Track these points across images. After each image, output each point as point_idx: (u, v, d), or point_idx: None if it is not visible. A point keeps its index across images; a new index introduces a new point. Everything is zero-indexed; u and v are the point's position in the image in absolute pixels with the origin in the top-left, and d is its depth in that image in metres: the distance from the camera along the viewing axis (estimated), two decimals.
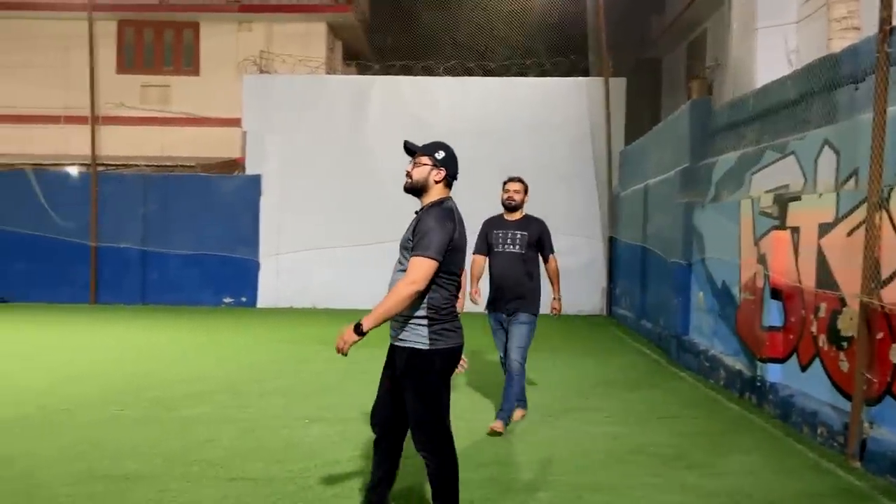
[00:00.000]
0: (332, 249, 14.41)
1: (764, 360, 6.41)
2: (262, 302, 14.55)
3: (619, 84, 14.40)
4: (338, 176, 14.39)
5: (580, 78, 14.69)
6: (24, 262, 14.55)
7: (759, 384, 6.47)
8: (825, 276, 5.63)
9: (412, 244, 3.30)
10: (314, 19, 16.86)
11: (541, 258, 5.88)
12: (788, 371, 6.18)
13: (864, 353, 4.83)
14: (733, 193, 7.81)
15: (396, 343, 3.40)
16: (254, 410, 6.18)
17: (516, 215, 5.84)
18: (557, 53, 15.18)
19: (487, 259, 5.88)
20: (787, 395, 5.99)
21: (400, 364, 3.38)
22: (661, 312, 10.01)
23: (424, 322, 3.32)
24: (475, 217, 5.78)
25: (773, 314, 6.34)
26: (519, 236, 5.74)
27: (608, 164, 14.12)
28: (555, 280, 5.94)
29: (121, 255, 14.59)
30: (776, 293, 6.33)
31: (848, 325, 5.25)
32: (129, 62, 17.07)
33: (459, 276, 3.46)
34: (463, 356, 3.50)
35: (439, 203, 3.41)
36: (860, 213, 5.02)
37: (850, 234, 5.26)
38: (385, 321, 3.29)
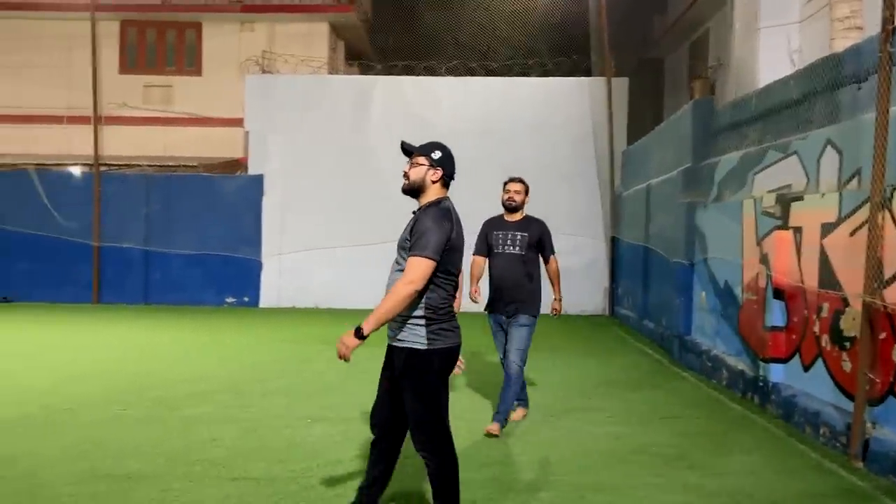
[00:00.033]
0: (335, 249, 14.42)
1: (766, 360, 6.40)
2: (264, 302, 14.57)
3: (621, 84, 14.39)
4: (340, 176, 14.40)
5: (582, 78, 14.69)
6: (27, 262, 14.58)
7: (761, 384, 6.46)
8: (828, 276, 5.62)
9: (410, 244, 3.30)
10: (316, 19, 16.84)
11: (541, 259, 5.86)
12: (791, 371, 6.17)
13: (866, 353, 4.82)
14: (736, 193, 7.80)
15: (394, 343, 3.40)
16: (256, 410, 6.19)
17: (517, 216, 5.80)
18: (560, 53, 15.15)
19: (487, 260, 5.86)
20: (789, 395, 5.98)
21: (398, 364, 3.38)
22: (663, 312, 10.00)
23: (422, 322, 3.32)
24: (477, 217, 5.79)
25: (775, 314, 6.33)
26: (519, 237, 5.71)
27: (610, 163, 14.11)
28: (555, 281, 5.92)
29: (123, 254, 14.61)
30: (779, 293, 6.33)
31: (850, 325, 5.24)
32: (131, 62, 17.07)
33: (457, 276, 3.46)
34: (460, 357, 3.49)
35: (437, 203, 3.41)
36: (863, 213, 5.02)
37: (852, 234, 5.26)
38: (385, 323, 3.29)
